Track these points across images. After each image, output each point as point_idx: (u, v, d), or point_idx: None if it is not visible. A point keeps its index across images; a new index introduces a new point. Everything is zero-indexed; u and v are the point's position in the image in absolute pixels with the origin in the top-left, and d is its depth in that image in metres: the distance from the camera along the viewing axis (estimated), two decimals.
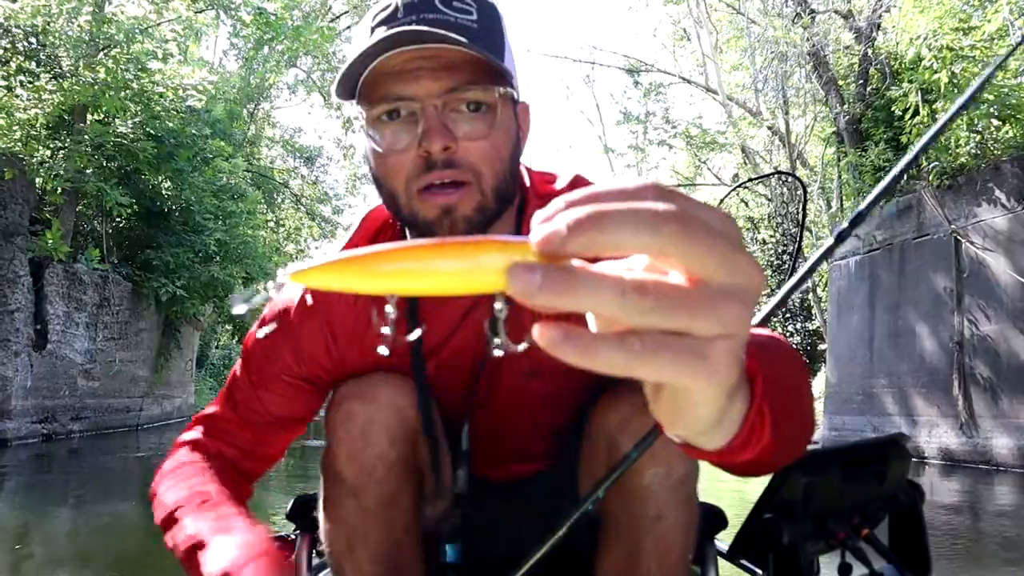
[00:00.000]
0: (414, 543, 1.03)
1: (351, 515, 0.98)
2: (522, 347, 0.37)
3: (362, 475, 0.96)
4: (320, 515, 1.03)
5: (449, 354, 1.01)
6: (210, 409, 1.13)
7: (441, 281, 0.34)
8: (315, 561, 1.31)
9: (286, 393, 1.06)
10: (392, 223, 1.01)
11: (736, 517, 1.17)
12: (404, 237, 0.96)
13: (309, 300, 1.02)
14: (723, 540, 1.30)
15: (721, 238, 0.33)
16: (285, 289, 0.76)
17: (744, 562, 1.23)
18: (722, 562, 1.28)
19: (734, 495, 5.32)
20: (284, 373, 1.05)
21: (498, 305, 0.36)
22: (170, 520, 1.01)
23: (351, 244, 1.02)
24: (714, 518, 1.28)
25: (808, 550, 0.96)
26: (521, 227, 0.96)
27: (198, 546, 0.94)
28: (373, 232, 1.02)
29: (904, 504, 1.01)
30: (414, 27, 0.79)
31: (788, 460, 0.67)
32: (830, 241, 1.10)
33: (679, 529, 0.95)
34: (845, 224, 1.15)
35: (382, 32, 0.81)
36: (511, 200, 0.93)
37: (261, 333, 1.06)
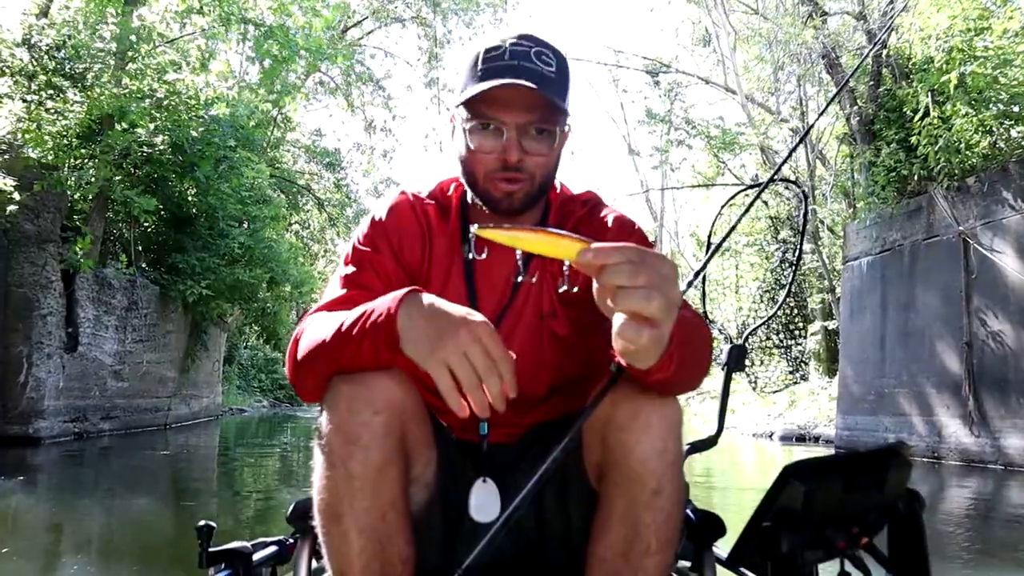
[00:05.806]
0: (401, 519, 1.07)
1: (338, 483, 1.02)
2: (566, 268, 0.99)
3: (347, 443, 1.02)
4: (313, 492, 1.07)
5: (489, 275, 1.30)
6: (327, 298, 1.22)
7: (544, 248, 0.86)
8: (315, 565, 1.32)
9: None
10: (460, 198, 1.34)
11: (734, 525, 1.20)
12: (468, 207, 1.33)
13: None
14: (721, 548, 1.32)
15: (666, 275, 0.83)
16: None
17: (743, 570, 1.25)
18: (721, 570, 1.30)
19: (733, 504, 5.42)
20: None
21: (564, 266, 0.95)
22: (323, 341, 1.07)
23: (430, 196, 1.34)
24: (713, 526, 1.35)
25: (807, 559, 0.96)
26: (547, 217, 1.33)
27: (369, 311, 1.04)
28: (454, 202, 1.34)
29: (904, 513, 1.01)
30: (520, 79, 1.14)
31: (683, 390, 1.08)
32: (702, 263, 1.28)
33: (675, 503, 1.07)
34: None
35: (491, 64, 1.17)
36: (547, 193, 1.29)
37: (385, 209, 1.30)
